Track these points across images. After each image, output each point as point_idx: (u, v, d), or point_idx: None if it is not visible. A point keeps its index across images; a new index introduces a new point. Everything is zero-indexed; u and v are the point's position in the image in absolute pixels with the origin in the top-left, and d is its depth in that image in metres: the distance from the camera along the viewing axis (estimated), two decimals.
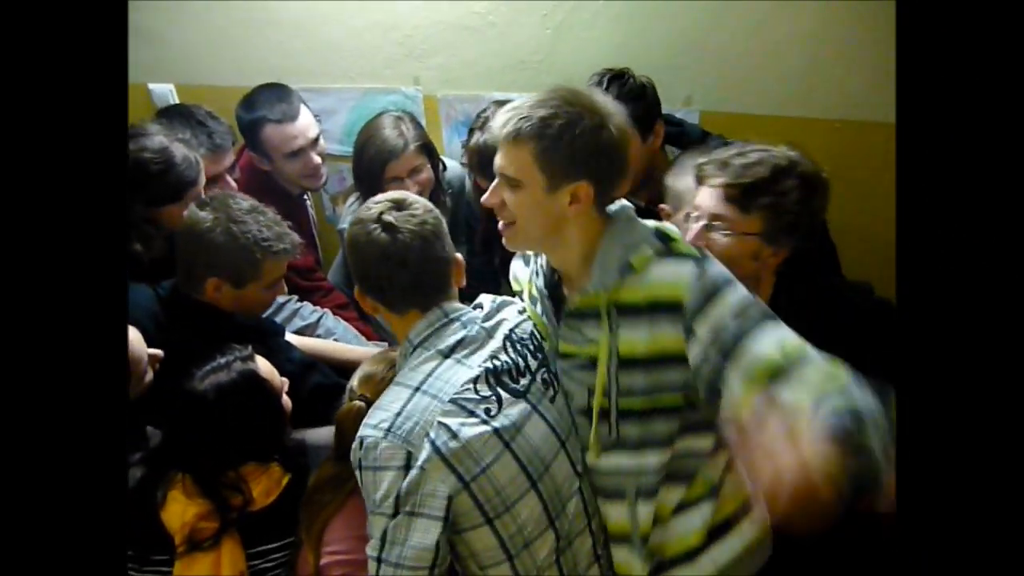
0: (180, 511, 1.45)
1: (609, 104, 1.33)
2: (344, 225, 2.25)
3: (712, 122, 2.22)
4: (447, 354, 1.37)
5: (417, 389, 1.33)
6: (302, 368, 1.78)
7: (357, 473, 1.33)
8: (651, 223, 1.41)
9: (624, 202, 1.43)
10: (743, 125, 2.15)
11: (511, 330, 1.44)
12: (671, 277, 1.31)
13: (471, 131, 2.14)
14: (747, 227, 1.49)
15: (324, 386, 1.78)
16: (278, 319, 2.05)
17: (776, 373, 1.19)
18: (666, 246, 1.35)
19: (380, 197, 1.44)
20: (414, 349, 1.39)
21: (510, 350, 1.41)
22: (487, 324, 1.42)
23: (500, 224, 1.40)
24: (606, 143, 1.29)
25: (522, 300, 1.58)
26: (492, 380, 1.35)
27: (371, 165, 2.12)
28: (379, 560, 1.28)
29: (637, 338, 1.33)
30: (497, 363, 1.37)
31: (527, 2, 2.30)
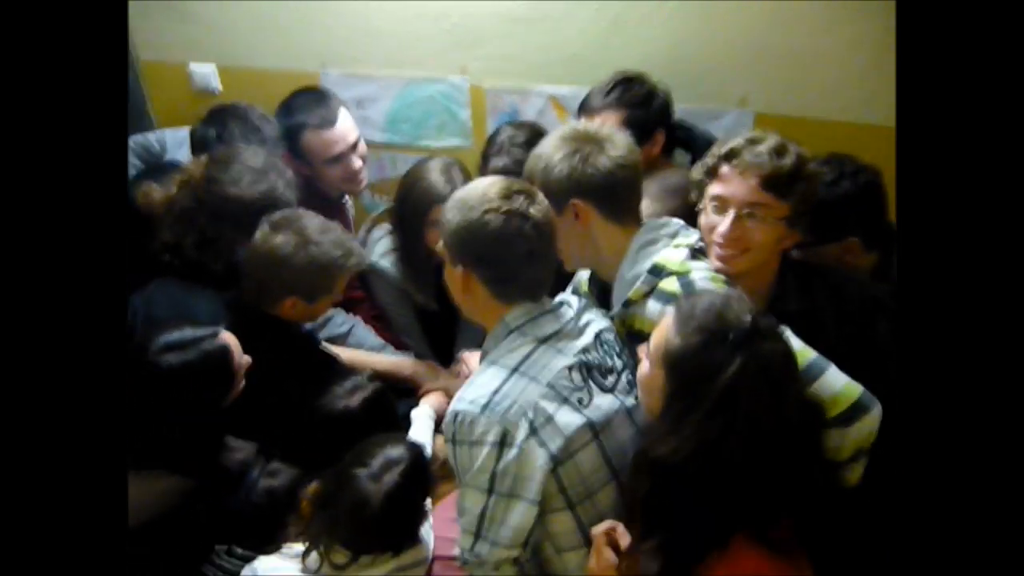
0: None
1: (602, 132, 1.56)
2: (374, 260, 2.23)
3: (766, 124, 2.17)
4: (543, 341, 1.40)
5: (515, 370, 1.37)
6: None
7: (449, 447, 1.37)
8: (657, 251, 1.52)
9: (653, 221, 1.58)
10: (797, 129, 2.07)
11: (600, 331, 1.48)
12: (655, 317, 1.44)
13: (486, 156, 2.15)
14: (780, 212, 1.51)
15: None
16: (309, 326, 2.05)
17: None
18: (657, 281, 1.49)
19: (505, 184, 1.43)
20: (509, 333, 1.42)
21: (599, 349, 1.45)
22: (579, 322, 1.47)
23: None
24: (589, 165, 1.50)
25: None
26: (585, 372, 1.40)
27: (416, 206, 2.13)
28: (476, 535, 1.33)
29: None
30: (589, 357, 1.42)
31: None
